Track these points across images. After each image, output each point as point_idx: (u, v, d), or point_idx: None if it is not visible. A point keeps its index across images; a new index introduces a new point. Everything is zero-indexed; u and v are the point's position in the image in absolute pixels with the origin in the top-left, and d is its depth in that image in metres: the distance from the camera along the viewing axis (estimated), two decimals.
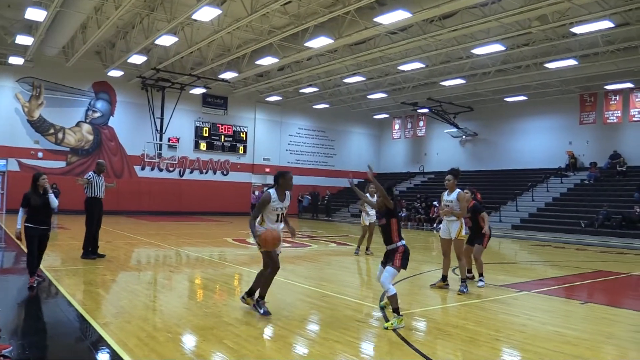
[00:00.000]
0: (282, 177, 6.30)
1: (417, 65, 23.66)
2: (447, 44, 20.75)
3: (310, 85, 29.26)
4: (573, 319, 6.84)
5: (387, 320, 5.92)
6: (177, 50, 22.64)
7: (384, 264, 6.15)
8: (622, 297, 9.15)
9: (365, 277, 10.16)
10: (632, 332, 6.25)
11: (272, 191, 6.24)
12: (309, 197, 32.86)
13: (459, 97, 29.75)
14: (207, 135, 31.01)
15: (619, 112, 24.69)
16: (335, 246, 15.75)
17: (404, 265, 6.03)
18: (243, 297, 6.59)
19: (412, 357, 4.78)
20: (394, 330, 5.62)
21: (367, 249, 13.04)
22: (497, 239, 20.51)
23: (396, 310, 5.80)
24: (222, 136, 31.59)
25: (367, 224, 12.88)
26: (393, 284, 5.98)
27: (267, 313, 6.11)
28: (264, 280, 6.31)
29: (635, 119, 24.28)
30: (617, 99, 24.82)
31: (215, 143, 31.28)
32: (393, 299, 5.84)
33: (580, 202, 23.12)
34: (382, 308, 6.60)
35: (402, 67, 24.29)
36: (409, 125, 34.86)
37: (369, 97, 31.55)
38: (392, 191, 6.37)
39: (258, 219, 6.23)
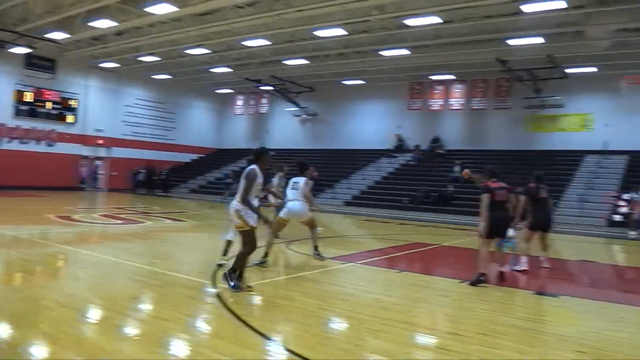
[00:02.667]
0: (265, 154, 6.65)
1: (263, 42, 23.68)
2: (292, 24, 21.04)
3: (151, 54, 27.70)
4: (391, 287, 7.55)
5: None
6: None
7: None
8: (432, 265, 10.29)
9: (199, 254, 10.06)
10: (439, 296, 7.10)
11: (255, 168, 6.44)
12: (145, 172, 31.32)
13: (302, 77, 30.47)
14: (30, 100, 27.78)
15: (441, 100, 27.33)
16: (170, 222, 15.33)
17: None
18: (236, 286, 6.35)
19: (241, 330, 4.90)
20: (225, 304, 5.70)
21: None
22: (330, 215, 21.65)
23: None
24: (49, 103, 28.57)
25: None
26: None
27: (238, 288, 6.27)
28: (244, 260, 6.45)
29: (453, 107, 27.10)
30: (440, 88, 27.44)
31: (39, 110, 28.14)
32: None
33: (404, 181, 25.28)
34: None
35: (247, 43, 24.12)
36: (252, 102, 34.87)
37: (212, 70, 30.84)
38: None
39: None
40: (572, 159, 23.90)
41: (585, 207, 19.88)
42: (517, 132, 26.54)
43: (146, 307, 5.70)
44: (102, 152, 31.58)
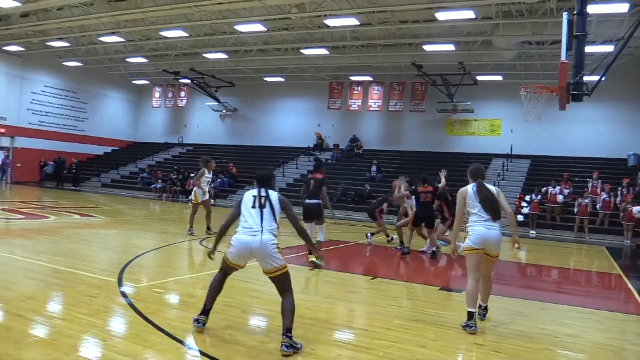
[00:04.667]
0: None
1: (181, 33, 23.08)
2: (211, 17, 20.66)
3: (60, 39, 26.16)
4: (303, 284, 7.62)
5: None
6: None
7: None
8: (346, 262, 10.48)
9: (108, 251, 9.66)
10: (349, 293, 7.27)
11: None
12: (53, 164, 29.57)
13: (222, 71, 30.00)
14: None
15: (360, 101, 27.86)
16: (78, 218, 14.58)
17: None
18: None
19: (145, 329, 4.75)
20: (130, 304, 5.51)
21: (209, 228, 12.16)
22: None
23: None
24: None
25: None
26: None
27: None
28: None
29: (371, 108, 27.73)
30: (359, 89, 27.97)
31: None
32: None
33: None
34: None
35: (164, 33, 23.41)
36: (170, 95, 33.74)
37: (127, 60, 29.67)
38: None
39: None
40: (481, 161, 25.18)
41: None
42: (431, 134, 27.63)
43: (43, 307, 5.37)
44: (4, 142, 29.49)
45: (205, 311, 4.93)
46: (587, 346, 5.25)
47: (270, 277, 4.88)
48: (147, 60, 29.26)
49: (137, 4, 19.74)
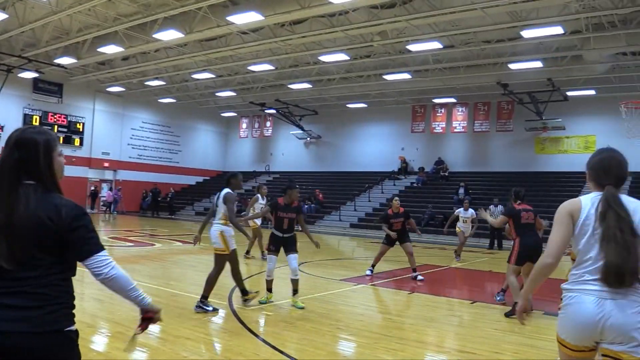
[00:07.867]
0: (234, 178, 7.08)
1: (267, 67, 24.13)
2: (296, 49, 21.49)
3: (156, 78, 28.19)
4: (402, 307, 7.71)
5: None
6: (6, 28, 20.32)
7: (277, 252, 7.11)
8: (441, 286, 10.41)
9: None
10: (448, 316, 7.26)
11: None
12: (150, 194, 31.58)
13: (305, 100, 30.89)
14: (37, 124, 28.23)
15: (444, 123, 27.65)
16: (180, 245, 15.50)
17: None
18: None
19: (261, 348, 5.06)
20: (243, 323, 5.86)
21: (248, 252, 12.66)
22: (337, 237, 21.80)
23: (295, 292, 7.04)
24: (55, 126, 28.91)
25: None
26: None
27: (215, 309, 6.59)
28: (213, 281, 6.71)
29: (456, 130, 27.42)
30: (443, 111, 27.79)
31: None
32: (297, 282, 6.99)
33: (410, 203, 25.39)
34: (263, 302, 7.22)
35: (252, 68, 24.57)
36: (257, 125, 35.25)
37: (217, 94, 31.32)
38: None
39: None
40: (575, 180, 24.09)
41: None
42: (519, 154, 26.80)
43: (168, 327, 5.84)
44: (107, 175, 31.89)
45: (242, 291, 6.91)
46: None
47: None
48: (235, 94, 30.75)
49: (227, 42, 20.93)
